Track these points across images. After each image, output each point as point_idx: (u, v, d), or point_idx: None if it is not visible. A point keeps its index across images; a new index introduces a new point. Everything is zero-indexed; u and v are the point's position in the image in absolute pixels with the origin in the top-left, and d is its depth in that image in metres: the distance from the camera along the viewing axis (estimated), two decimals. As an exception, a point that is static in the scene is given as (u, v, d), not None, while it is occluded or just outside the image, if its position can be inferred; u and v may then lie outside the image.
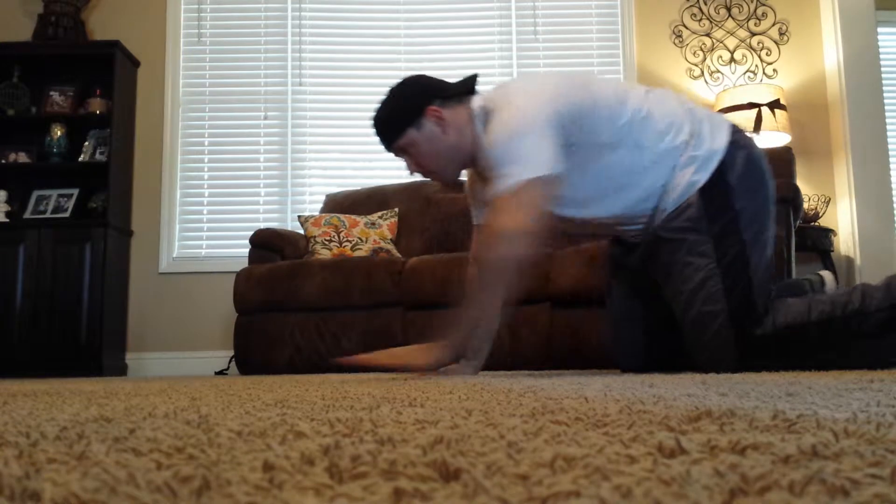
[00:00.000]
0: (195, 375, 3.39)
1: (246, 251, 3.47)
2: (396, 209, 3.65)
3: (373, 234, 3.46)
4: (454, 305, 2.00)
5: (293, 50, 4.28)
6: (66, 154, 4.01)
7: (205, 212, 4.19)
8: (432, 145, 1.79)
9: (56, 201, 4.00)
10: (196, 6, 4.30)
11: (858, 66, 4.03)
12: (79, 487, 0.31)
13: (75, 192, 4.00)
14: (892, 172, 4.07)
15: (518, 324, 2.79)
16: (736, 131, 1.83)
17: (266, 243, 3.39)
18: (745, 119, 3.79)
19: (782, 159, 3.23)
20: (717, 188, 1.76)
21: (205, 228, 4.18)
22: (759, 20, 4.26)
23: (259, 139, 4.21)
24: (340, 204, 3.75)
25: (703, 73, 4.22)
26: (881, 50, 4.15)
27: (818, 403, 0.67)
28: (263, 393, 1.10)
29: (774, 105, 3.80)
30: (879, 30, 4.20)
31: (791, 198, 2.70)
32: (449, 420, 0.58)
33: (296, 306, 3.01)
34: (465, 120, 1.78)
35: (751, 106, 3.79)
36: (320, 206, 3.92)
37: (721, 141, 1.78)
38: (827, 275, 2.11)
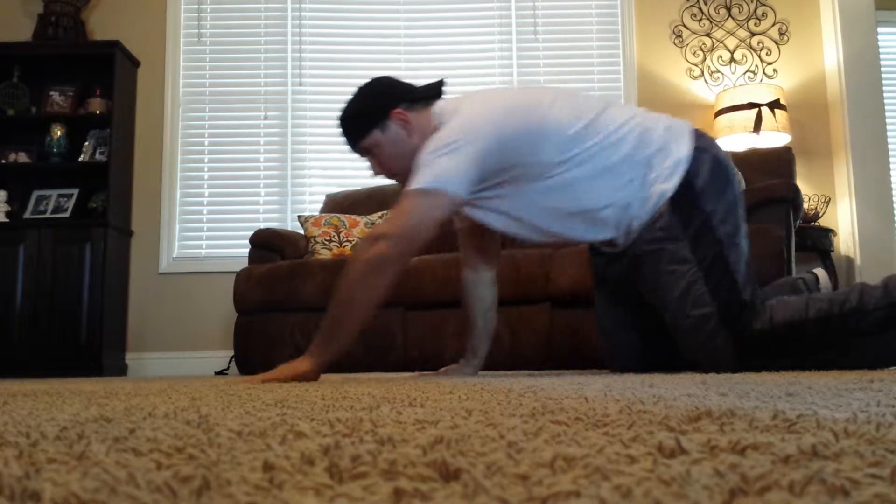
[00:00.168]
0: (195, 375, 3.39)
1: (246, 251, 3.47)
2: (396, 209, 3.64)
3: (373, 234, 3.46)
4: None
5: (293, 50, 4.28)
6: (66, 154, 4.01)
7: (205, 212, 4.19)
8: (396, 147, 1.80)
9: (56, 201, 4.00)
10: (196, 6, 4.30)
11: (858, 66, 4.03)
12: (79, 487, 0.31)
13: (75, 192, 4.00)
14: (892, 172, 4.07)
15: (518, 324, 2.79)
16: (699, 136, 1.83)
17: (266, 243, 3.39)
18: (745, 119, 3.79)
19: (782, 159, 3.23)
20: (686, 195, 1.76)
21: (205, 228, 4.19)
22: (759, 20, 4.27)
23: (259, 139, 4.21)
24: (340, 204, 3.75)
25: (703, 73, 4.22)
26: (881, 50, 4.15)
27: (818, 403, 0.67)
28: (263, 393, 1.10)
29: (774, 105, 3.80)
30: (879, 30, 4.20)
31: (791, 198, 2.70)
32: (449, 420, 0.58)
33: (296, 306, 3.01)
34: (428, 124, 1.79)
35: (751, 106, 3.79)
36: (320, 206, 3.92)
37: (685, 149, 1.78)
38: (821, 273, 2.12)
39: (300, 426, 0.54)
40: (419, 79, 4.45)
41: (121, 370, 3.93)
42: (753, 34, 4.26)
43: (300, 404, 0.80)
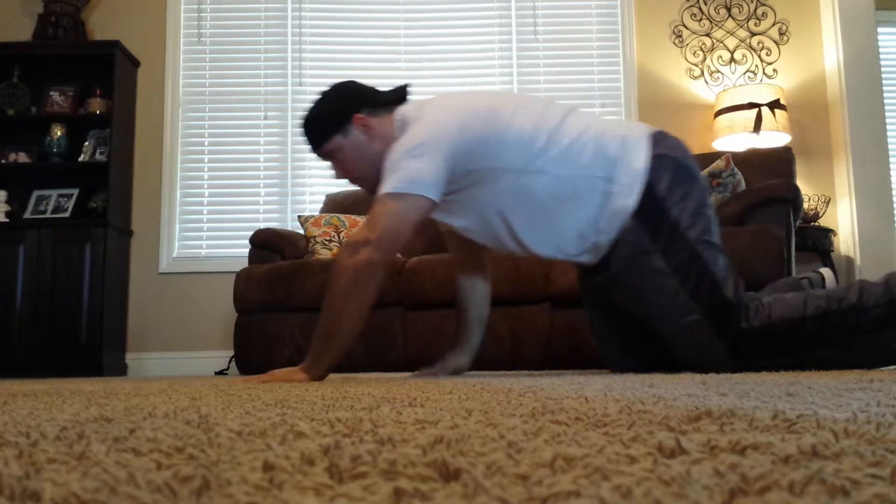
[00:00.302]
0: (195, 375, 3.39)
1: (246, 251, 3.47)
2: (396, 209, 3.64)
3: (373, 234, 3.46)
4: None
5: (293, 50, 4.28)
6: (66, 154, 4.01)
7: (205, 212, 4.19)
8: (357, 152, 1.80)
9: (56, 201, 4.00)
10: (196, 6, 4.30)
11: (858, 66, 4.03)
12: (79, 487, 0.31)
13: (75, 192, 4.00)
14: (892, 172, 4.07)
15: (518, 324, 2.79)
16: (657, 140, 1.81)
17: (266, 243, 3.39)
18: (745, 119, 3.79)
19: (782, 159, 3.23)
20: (650, 204, 1.75)
21: (205, 228, 4.18)
22: (759, 20, 4.27)
23: (259, 139, 4.21)
24: (340, 204, 3.75)
25: (703, 73, 4.22)
26: (881, 50, 4.15)
27: (818, 403, 0.67)
28: (263, 393, 1.10)
29: (774, 105, 3.80)
30: (879, 30, 4.20)
31: (791, 198, 2.70)
32: (449, 420, 0.58)
33: (296, 306, 3.01)
34: (391, 129, 1.79)
35: (751, 106, 3.79)
36: (320, 206, 3.92)
37: (641, 161, 1.76)
38: (827, 272, 2.10)
39: (300, 426, 0.54)
40: (419, 79, 4.45)
41: (121, 370, 3.93)
42: (753, 34, 4.26)
43: (300, 404, 0.80)
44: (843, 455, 0.36)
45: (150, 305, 4.05)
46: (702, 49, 4.25)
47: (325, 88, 1.86)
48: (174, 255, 4.13)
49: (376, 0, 4.33)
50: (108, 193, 3.85)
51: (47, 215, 3.94)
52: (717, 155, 3.18)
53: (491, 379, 1.64)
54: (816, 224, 3.84)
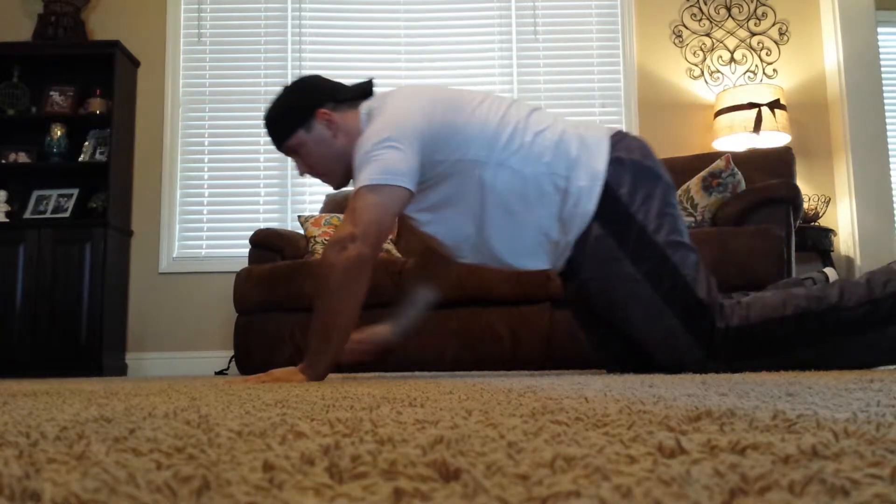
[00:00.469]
0: (195, 375, 3.39)
1: (246, 251, 3.47)
2: (396, 209, 3.64)
3: (373, 234, 3.46)
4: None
5: (293, 50, 4.28)
6: (66, 154, 4.01)
7: (205, 212, 4.19)
8: (321, 148, 1.78)
9: (56, 201, 4.00)
10: (196, 6, 4.30)
11: (858, 66, 4.03)
12: (79, 487, 0.31)
13: (75, 192, 4.01)
14: (892, 172, 4.07)
15: (518, 324, 2.79)
16: (616, 141, 1.78)
17: (266, 243, 3.39)
18: (745, 119, 3.79)
19: (782, 159, 3.23)
20: (613, 209, 1.72)
21: (205, 228, 4.19)
22: (759, 20, 4.27)
23: (259, 139, 4.21)
24: (340, 204, 3.75)
25: (703, 73, 4.22)
26: (881, 50, 4.16)
27: (818, 403, 0.67)
28: (263, 393, 1.10)
29: (774, 105, 3.80)
30: (879, 30, 4.20)
31: (791, 198, 2.71)
32: (449, 420, 0.58)
33: (296, 306, 3.01)
34: (355, 124, 1.77)
35: (751, 106, 3.79)
36: (320, 206, 3.92)
37: (600, 164, 1.73)
38: (831, 272, 2.07)
39: (300, 426, 0.54)
40: (419, 79, 4.44)
41: (121, 370, 3.93)
42: (753, 34, 4.26)
43: (300, 404, 0.80)
44: (843, 455, 0.36)
45: (150, 305, 4.06)
46: (702, 49, 4.25)
47: (288, 83, 1.84)
48: (174, 255, 4.13)
49: (376, 0, 4.33)
50: (108, 193, 3.85)
51: (47, 215, 3.95)
52: (717, 155, 3.18)
53: (491, 379, 1.64)
54: (816, 224, 3.84)
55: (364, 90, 1.83)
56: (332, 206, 3.79)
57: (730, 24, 4.27)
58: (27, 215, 3.96)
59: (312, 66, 4.26)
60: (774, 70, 4.21)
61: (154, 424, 0.59)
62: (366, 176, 1.63)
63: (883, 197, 3.95)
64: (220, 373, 3.75)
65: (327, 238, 3.39)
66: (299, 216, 3.61)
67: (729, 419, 0.54)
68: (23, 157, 4.02)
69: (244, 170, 4.22)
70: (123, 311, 4.01)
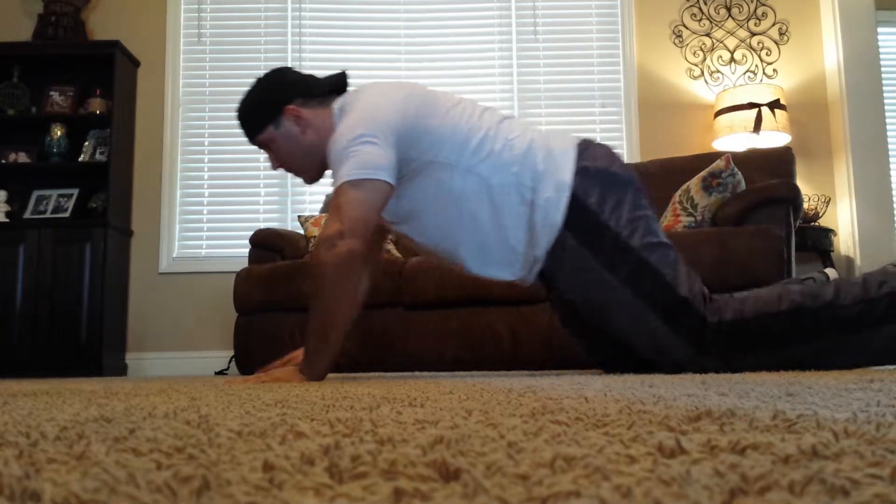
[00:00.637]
0: (195, 375, 3.39)
1: (246, 251, 3.47)
2: (396, 209, 3.64)
3: (373, 234, 3.46)
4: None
5: (293, 50, 4.29)
6: (66, 154, 4.01)
7: (205, 212, 4.19)
8: (290, 144, 1.78)
9: (56, 201, 4.00)
10: (196, 6, 4.30)
11: (858, 66, 4.03)
12: (79, 487, 0.31)
13: (75, 192, 4.01)
14: (892, 172, 4.07)
15: (518, 324, 2.79)
16: (582, 150, 1.77)
17: (266, 243, 3.39)
18: (745, 119, 3.79)
19: (782, 159, 3.23)
20: (583, 219, 1.71)
21: (205, 228, 4.19)
22: (759, 20, 4.27)
23: (259, 139, 4.21)
24: (340, 204, 3.75)
25: (703, 73, 4.22)
26: (881, 50, 4.16)
27: (818, 403, 0.67)
28: (263, 393, 1.10)
29: (774, 105, 3.80)
30: (879, 30, 4.20)
31: (791, 198, 2.70)
32: (449, 420, 0.58)
33: (296, 306, 3.01)
34: (325, 120, 1.77)
35: (751, 106, 3.79)
36: (320, 206, 3.92)
37: (567, 174, 1.72)
38: (832, 272, 2.06)
39: (300, 426, 0.54)
40: (419, 79, 4.44)
41: (121, 370, 3.93)
42: (753, 34, 4.26)
43: (300, 404, 0.80)
44: (843, 455, 0.36)
45: (150, 305, 4.06)
46: (702, 49, 4.25)
47: (260, 76, 1.83)
48: (174, 255, 4.13)
49: (376, 0, 4.33)
50: (108, 193, 3.85)
51: (47, 215, 3.95)
52: (717, 155, 3.18)
53: (491, 379, 1.64)
54: (816, 224, 3.84)
55: (336, 83, 1.82)
56: (332, 206, 3.79)
57: (730, 24, 4.27)
58: (27, 215, 3.96)
59: (312, 66, 4.26)
60: (774, 70, 4.21)
61: (154, 424, 0.59)
62: (345, 172, 1.62)
63: (883, 197, 3.95)
64: (220, 373, 3.75)
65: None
66: (299, 216, 3.61)
67: (729, 419, 0.54)
68: (23, 157, 4.02)
69: (244, 170, 4.22)
70: (123, 311, 4.01)
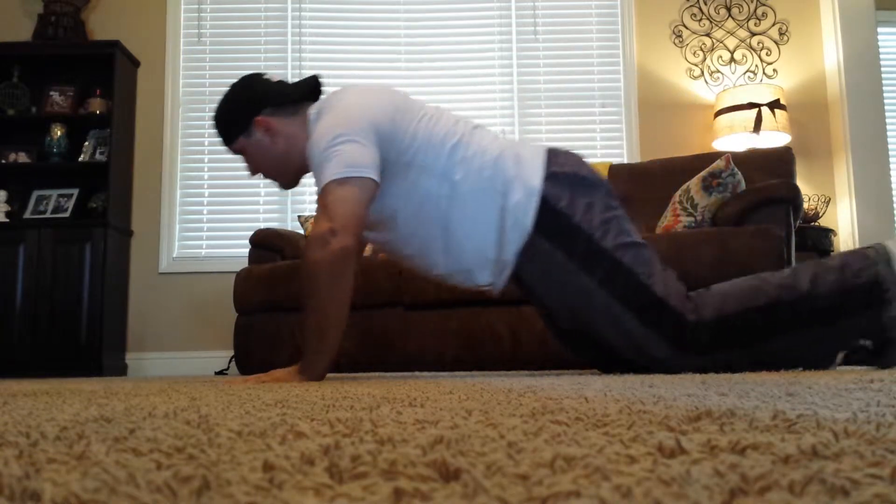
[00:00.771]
0: (195, 375, 3.39)
1: (246, 251, 3.47)
2: (396, 209, 3.65)
3: (373, 234, 3.46)
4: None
5: (293, 50, 4.29)
6: (66, 154, 4.01)
7: (205, 212, 4.19)
8: (261, 153, 1.81)
9: (56, 201, 4.00)
10: (196, 6, 4.30)
11: (858, 66, 4.03)
12: (79, 487, 0.31)
13: (75, 192, 4.01)
14: (892, 172, 4.07)
15: (518, 324, 2.79)
16: (551, 157, 1.78)
17: (266, 243, 3.39)
18: (745, 119, 3.79)
19: (782, 159, 3.23)
20: (555, 223, 1.72)
21: (205, 228, 4.19)
22: (759, 20, 4.27)
23: (259, 139, 4.21)
24: (340, 204, 3.75)
25: (703, 73, 4.22)
26: (881, 50, 4.16)
27: (818, 403, 0.67)
28: (263, 393, 1.10)
29: (774, 105, 3.80)
30: (879, 30, 4.21)
31: (791, 198, 2.70)
32: (449, 420, 0.58)
33: (296, 306, 3.00)
34: (297, 127, 1.78)
35: (751, 106, 3.79)
36: (320, 206, 3.92)
37: (536, 179, 1.73)
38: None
39: (300, 426, 0.54)
40: (419, 79, 4.43)
41: (121, 370, 3.93)
42: (753, 34, 4.26)
43: (300, 404, 0.80)
44: (843, 455, 0.36)
45: (150, 305, 4.06)
46: (702, 49, 4.25)
47: (233, 82, 1.84)
48: (174, 255, 4.13)
49: (376, 0, 4.33)
50: (108, 193, 3.85)
51: (47, 215, 3.95)
52: (717, 155, 3.18)
53: (491, 379, 1.64)
54: (816, 224, 3.84)
55: (309, 89, 1.83)
56: (332, 206, 3.79)
57: (730, 24, 4.27)
58: (27, 215, 3.96)
59: (312, 66, 4.26)
60: (774, 70, 4.21)
61: (154, 424, 0.59)
62: (330, 172, 1.63)
63: (883, 197, 3.95)
64: (220, 373, 3.75)
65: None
66: (299, 216, 3.61)
67: (729, 419, 0.54)
68: (23, 157, 4.02)
69: (244, 170, 4.19)
70: (123, 311, 4.01)
